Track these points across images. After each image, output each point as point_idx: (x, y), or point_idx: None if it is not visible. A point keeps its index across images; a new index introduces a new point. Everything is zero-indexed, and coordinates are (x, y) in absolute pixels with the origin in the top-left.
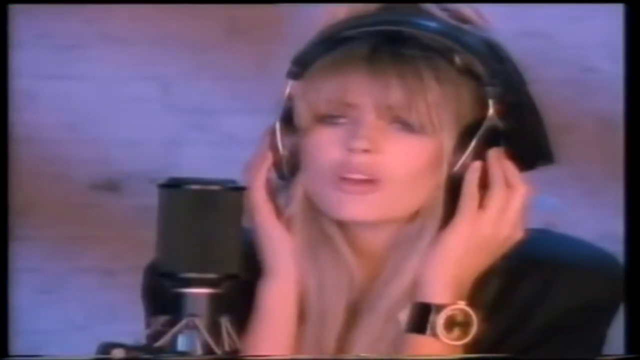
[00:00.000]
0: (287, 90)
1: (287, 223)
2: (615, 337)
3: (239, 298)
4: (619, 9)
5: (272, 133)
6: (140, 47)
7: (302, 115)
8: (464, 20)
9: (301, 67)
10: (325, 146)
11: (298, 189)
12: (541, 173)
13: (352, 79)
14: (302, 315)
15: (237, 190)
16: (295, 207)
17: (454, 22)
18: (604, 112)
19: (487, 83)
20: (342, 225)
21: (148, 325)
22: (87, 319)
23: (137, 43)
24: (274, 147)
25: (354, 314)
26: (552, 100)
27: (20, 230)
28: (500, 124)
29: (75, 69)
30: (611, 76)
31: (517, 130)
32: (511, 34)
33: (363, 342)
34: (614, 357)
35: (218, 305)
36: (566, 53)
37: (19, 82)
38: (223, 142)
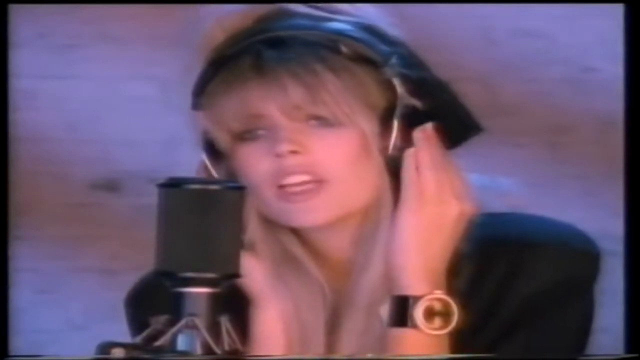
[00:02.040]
0: (198, 122)
1: (250, 249)
2: (616, 337)
3: (239, 297)
4: (619, 9)
5: (204, 167)
6: (140, 47)
7: (221, 140)
8: (335, 12)
9: (199, 96)
10: (253, 160)
11: (250, 212)
12: (541, 172)
13: (248, 91)
14: (290, 336)
15: (237, 190)
16: (253, 231)
17: (326, 15)
18: (604, 112)
19: (381, 64)
20: (304, 240)
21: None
22: (86, 318)
23: (137, 43)
24: None
25: (336, 317)
26: (552, 100)
27: (20, 230)
28: (415, 102)
29: (75, 69)
30: (611, 76)
31: (436, 106)
32: (511, 34)
33: (349, 341)
34: (614, 357)
35: (218, 304)
36: (566, 53)
37: (19, 82)
38: None
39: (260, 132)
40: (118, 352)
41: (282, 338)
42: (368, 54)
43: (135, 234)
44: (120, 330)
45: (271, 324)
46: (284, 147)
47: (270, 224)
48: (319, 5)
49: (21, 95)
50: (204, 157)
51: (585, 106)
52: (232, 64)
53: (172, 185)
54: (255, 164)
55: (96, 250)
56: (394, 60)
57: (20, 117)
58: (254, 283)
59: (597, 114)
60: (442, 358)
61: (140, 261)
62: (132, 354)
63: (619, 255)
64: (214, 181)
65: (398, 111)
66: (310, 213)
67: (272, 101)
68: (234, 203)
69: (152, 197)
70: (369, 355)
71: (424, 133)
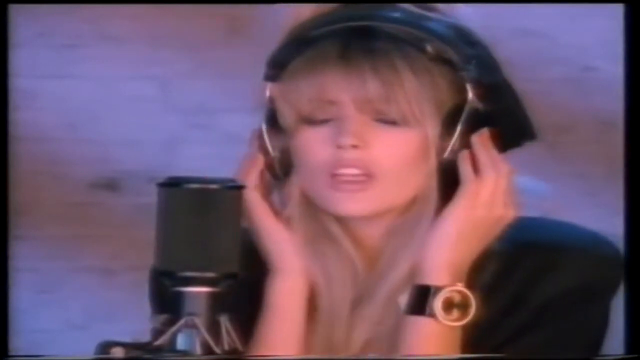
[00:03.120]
0: (267, 93)
1: (287, 222)
2: (615, 337)
3: (239, 297)
4: (619, 9)
5: (260, 136)
6: (140, 46)
7: (286, 117)
8: (429, 8)
9: (276, 69)
10: (314, 146)
11: (294, 188)
12: (541, 172)
13: (328, 77)
14: (311, 312)
15: (236, 189)
16: (293, 207)
17: (420, 10)
18: (604, 112)
19: (461, 68)
20: (341, 219)
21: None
22: (86, 318)
23: (137, 43)
24: (264, 150)
25: (355, 302)
26: (552, 100)
27: (20, 230)
28: (480, 105)
29: (75, 68)
30: (611, 76)
31: (498, 110)
32: (512, 34)
33: (363, 328)
34: (614, 357)
35: (217, 304)
36: (566, 52)
37: (19, 82)
38: (222, 141)
39: (326, 118)
40: (118, 351)
41: (297, 311)
42: (450, 56)
43: (135, 233)
44: (119, 330)
45: (285, 295)
46: (348, 140)
47: (310, 202)
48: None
49: (21, 95)
50: (263, 126)
51: (585, 106)
52: (318, 45)
53: (172, 184)
54: (315, 149)
55: (96, 250)
56: (472, 65)
57: (20, 117)
58: (282, 254)
59: (597, 114)
60: (448, 358)
61: (140, 261)
62: (132, 353)
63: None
64: (213, 180)
65: (464, 116)
66: (355, 204)
67: (349, 91)
68: (233, 202)
69: (152, 197)
70: (371, 356)
71: (482, 137)
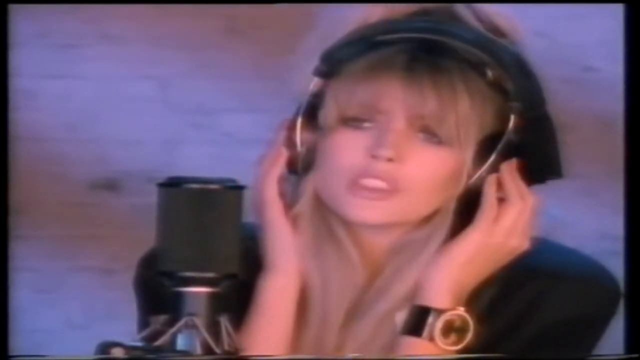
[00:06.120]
0: (312, 87)
1: (294, 220)
2: (615, 337)
3: (238, 297)
4: (619, 9)
5: (291, 128)
6: (140, 46)
7: (329, 114)
8: (499, 32)
9: (331, 66)
10: (347, 149)
11: (308, 186)
12: None
13: (388, 86)
14: (302, 314)
15: (236, 189)
16: (304, 205)
17: (489, 34)
18: (604, 112)
19: (513, 99)
20: (349, 225)
21: (141, 320)
22: (86, 318)
23: (137, 43)
24: (290, 143)
25: (349, 315)
26: (552, 100)
27: (20, 230)
28: (515, 137)
29: (75, 68)
30: (611, 76)
31: (531, 144)
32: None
33: (354, 344)
34: (614, 357)
35: (217, 304)
36: (566, 52)
37: (19, 82)
38: (222, 141)
39: (367, 124)
40: (118, 351)
41: (285, 311)
42: (506, 86)
43: (135, 233)
44: (119, 330)
45: (275, 294)
46: (387, 153)
47: (321, 202)
48: (484, 17)
49: (21, 95)
50: (299, 118)
51: (585, 106)
52: (383, 52)
53: (172, 184)
54: (348, 153)
55: (95, 250)
56: (523, 96)
57: (20, 116)
58: (280, 253)
59: (597, 114)
60: (448, 358)
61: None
62: (132, 353)
63: (619, 255)
64: (213, 180)
65: (500, 145)
66: (371, 211)
67: (404, 103)
68: (233, 203)
69: (151, 197)
70: (369, 356)
71: (511, 166)
